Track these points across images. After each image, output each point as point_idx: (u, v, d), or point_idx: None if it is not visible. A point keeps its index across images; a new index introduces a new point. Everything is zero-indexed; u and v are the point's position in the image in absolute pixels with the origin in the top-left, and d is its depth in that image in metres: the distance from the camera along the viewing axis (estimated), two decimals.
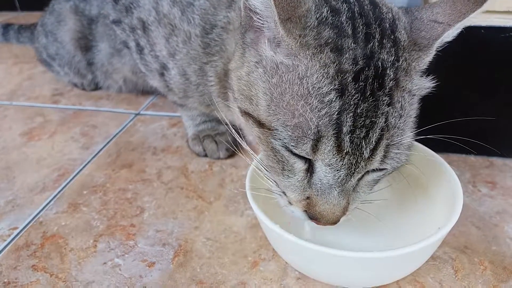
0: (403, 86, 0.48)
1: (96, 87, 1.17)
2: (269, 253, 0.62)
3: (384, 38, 0.47)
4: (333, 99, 0.45)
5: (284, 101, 0.47)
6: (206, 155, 0.85)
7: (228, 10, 0.66)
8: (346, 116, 0.45)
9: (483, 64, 0.71)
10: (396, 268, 0.52)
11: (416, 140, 0.57)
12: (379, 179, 0.53)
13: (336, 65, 0.45)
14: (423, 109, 0.53)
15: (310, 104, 0.45)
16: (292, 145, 0.47)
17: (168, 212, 0.71)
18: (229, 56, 0.65)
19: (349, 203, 0.50)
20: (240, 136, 0.58)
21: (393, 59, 0.47)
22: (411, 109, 0.49)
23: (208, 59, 0.69)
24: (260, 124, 0.50)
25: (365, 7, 0.50)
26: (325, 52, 0.46)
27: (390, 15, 0.50)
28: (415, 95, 0.50)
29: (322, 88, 0.45)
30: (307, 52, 0.46)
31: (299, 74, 0.46)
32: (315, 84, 0.45)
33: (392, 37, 0.48)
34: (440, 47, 0.50)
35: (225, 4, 0.66)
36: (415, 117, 0.51)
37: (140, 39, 0.77)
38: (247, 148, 0.58)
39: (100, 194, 0.77)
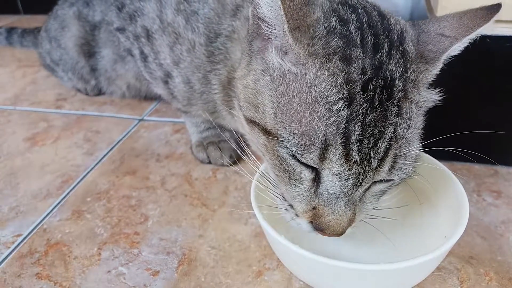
0: (411, 98, 0.48)
1: (100, 93, 1.17)
2: (273, 262, 0.62)
3: (392, 49, 0.47)
4: (341, 108, 0.45)
5: (291, 109, 0.47)
6: (210, 162, 0.85)
7: (233, 19, 0.66)
8: (355, 125, 0.45)
9: (489, 73, 0.71)
10: (402, 280, 0.52)
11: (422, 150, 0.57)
12: (386, 191, 0.52)
13: (344, 74, 0.45)
14: (427, 118, 0.53)
15: (318, 112, 0.45)
16: (299, 154, 0.46)
17: (172, 220, 0.71)
18: (233, 64, 0.65)
19: (355, 214, 0.50)
20: (241, 148, 0.58)
21: (402, 70, 0.47)
22: (418, 120, 0.49)
23: (212, 68, 0.69)
24: (266, 132, 0.50)
25: (374, 18, 0.50)
26: (334, 61, 0.46)
27: (398, 27, 0.50)
28: (422, 107, 0.50)
29: (330, 97, 0.45)
30: (316, 60, 0.46)
31: (307, 82, 0.46)
32: (323, 92, 0.45)
33: (400, 48, 0.48)
34: (447, 60, 0.51)
35: (229, 13, 0.66)
36: (421, 129, 0.51)
37: (144, 47, 0.77)
38: (248, 160, 0.58)
39: (104, 201, 0.77)
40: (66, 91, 1.21)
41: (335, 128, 0.44)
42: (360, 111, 0.45)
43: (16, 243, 0.68)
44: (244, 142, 0.61)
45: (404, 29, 0.50)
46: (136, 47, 0.79)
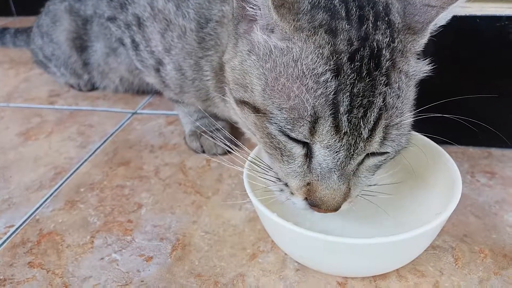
0: (399, 67, 0.47)
1: (93, 88, 1.16)
2: (267, 245, 0.61)
3: (378, 20, 0.47)
4: (329, 79, 0.45)
5: (279, 84, 0.47)
6: (203, 152, 0.84)
7: (223, 4, 0.66)
8: (343, 96, 0.44)
9: (479, 53, 0.71)
10: (396, 255, 0.52)
11: (415, 130, 0.57)
12: (380, 164, 0.52)
13: (330, 46, 0.46)
14: (417, 99, 0.53)
15: (305, 85, 0.45)
16: (288, 128, 0.46)
17: (165, 208, 0.71)
18: (224, 50, 0.65)
19: (350, 189, 0.50)
20: (235, 136, 0.58)
21: (389, 40, 0.47)
22: (409, 91, 0.49)
23: (203, 54, 0.69)
24: (255, 109, 0.50)
25: None
26: (320, 33, 0.46)
27: None
28: (412, 77, 0.49)
29: (317, 69, 0.45)
30: (301, 34, 0.46)
31: (293, 56, 0.46)
32: (310, 65, 0.45)
33: (386, 19, 0.48)
34: (435, 30, 0.50)
35: None
36: (413, 99, 0.50)
37: (136, 35, 0.76)
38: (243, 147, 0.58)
39: (97, 191, 0.76)
40: (59, 88, 1.20)
41: (323, 99, 0.44)
42: (348, 82, 0.45)
43: (8, 234, 0.68)
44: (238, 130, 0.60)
45: (389, 1, 0.50)
46: (128, 36, 0.78)
